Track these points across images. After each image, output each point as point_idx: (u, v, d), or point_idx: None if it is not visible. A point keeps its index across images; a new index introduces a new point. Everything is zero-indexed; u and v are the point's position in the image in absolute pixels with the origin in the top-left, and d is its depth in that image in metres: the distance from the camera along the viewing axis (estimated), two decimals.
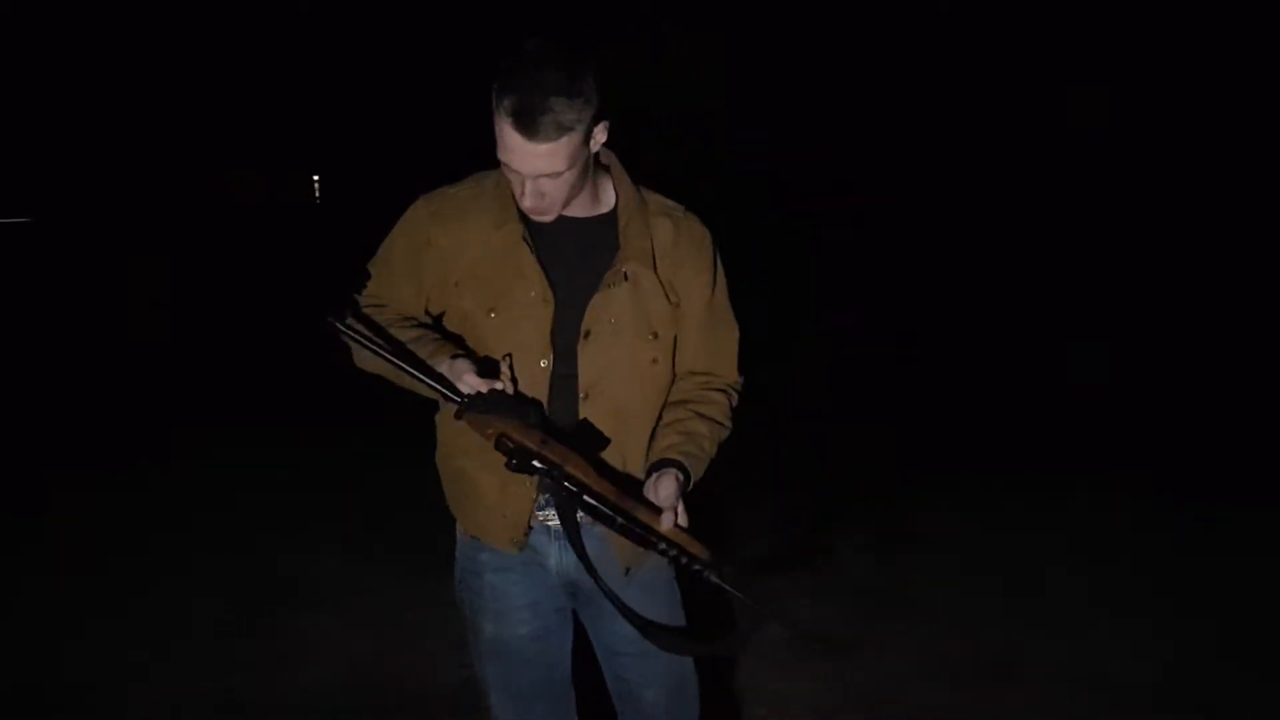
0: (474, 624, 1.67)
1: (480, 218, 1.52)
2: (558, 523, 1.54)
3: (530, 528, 1.57)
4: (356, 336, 1.39)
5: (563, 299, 1.51)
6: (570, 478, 1.35)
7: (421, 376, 1.38)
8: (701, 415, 1.59)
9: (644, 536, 1.37)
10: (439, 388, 1.37)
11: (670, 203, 1.62)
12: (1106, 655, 3.00)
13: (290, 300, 4.39)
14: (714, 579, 1.38)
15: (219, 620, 3.23)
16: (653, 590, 1.65)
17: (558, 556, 1.60)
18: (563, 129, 1.35)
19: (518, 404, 1.39)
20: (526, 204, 1.44)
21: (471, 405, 1.35)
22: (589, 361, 1.51)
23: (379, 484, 4.40)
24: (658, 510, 1.39)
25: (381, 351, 1.38)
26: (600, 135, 1.46)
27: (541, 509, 1.57)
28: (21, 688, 2.84)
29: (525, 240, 1.49)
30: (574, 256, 1.53)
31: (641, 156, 1.72)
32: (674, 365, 1.61)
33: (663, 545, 1.37)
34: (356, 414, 4.81)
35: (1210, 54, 10.99)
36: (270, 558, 3.71)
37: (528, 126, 1.33)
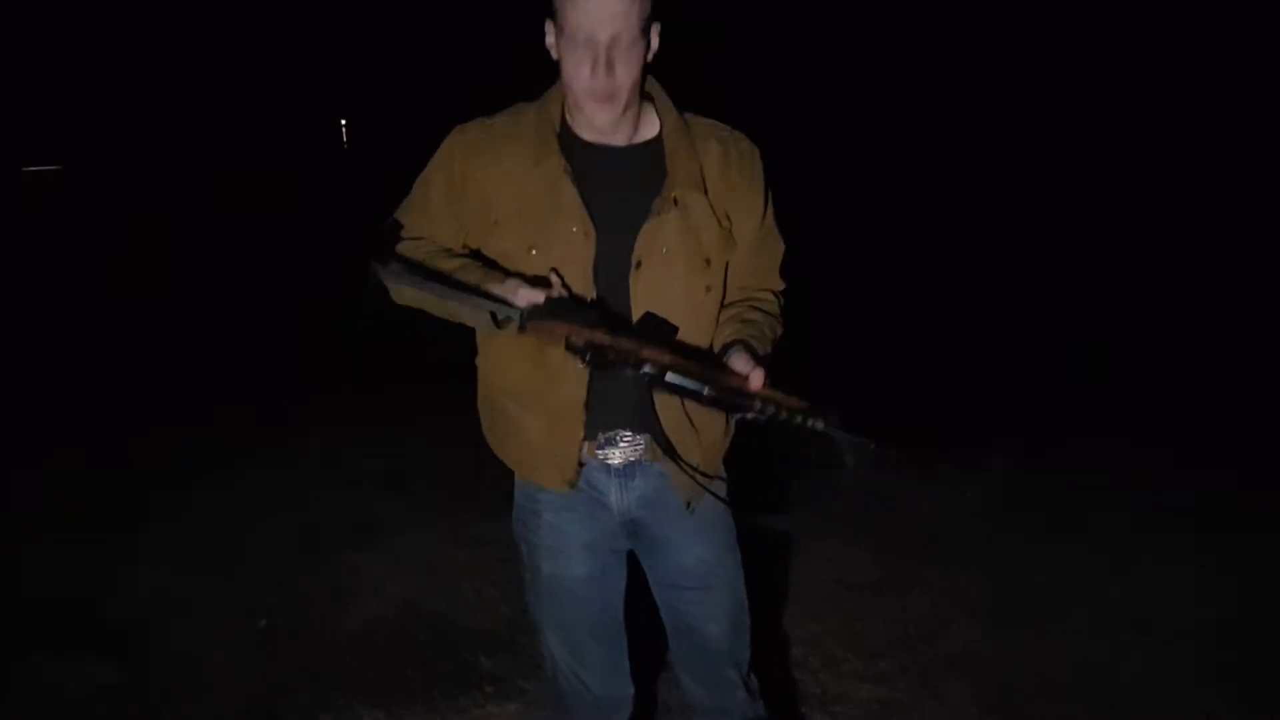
0: (530, 562, 1.67)
1: (519, 153, 1.48)
2: (618, 460, 1.55)
3: (582, 464, 1.56)
4: (404, 272, 1.38)
5: (608, 232, 1.47)
6: (648, 361, 1.32)
7: (475, 298, 1.36)
8: (756, 308, 1.58)
9: (737, 401, 1.35)
10: (494, 304, 1.36)
11: (717, 124, 1.58)
12: (1153, 597, 2.94)
13: (328, 247, 4.36)
14: (819, 427, 1.34)
15: (265, 558, 3.28)
16: (712, 526, 1.65)
17: (618, 494, 1.59)
18: None
19: (578, 306, 1.39)
20: (598, 84, 1.38)
21: (533, 314, 1.34)
22: (642, 292, 1.48)
23: (421, 426, 4.40)
24: (743, 375, 1.36)
25: (430, 282, 1.37)
26: (655, 39, 1.43)
27: (601, 448, 1.56)
28: (73, 618, 2.90)
29: (567, 174, 1.46)
30: (620, 186, 1.49)
31: None
32: (725, 289, 1.58)
33: (758, 404, 1.34)
34: (394, 359, 4.84)
35: (1210, 54, 10.75)
36: (316, 498, 3.76)
37: None
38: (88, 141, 17.88)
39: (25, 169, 17.51)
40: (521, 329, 1.35)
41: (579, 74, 1.39)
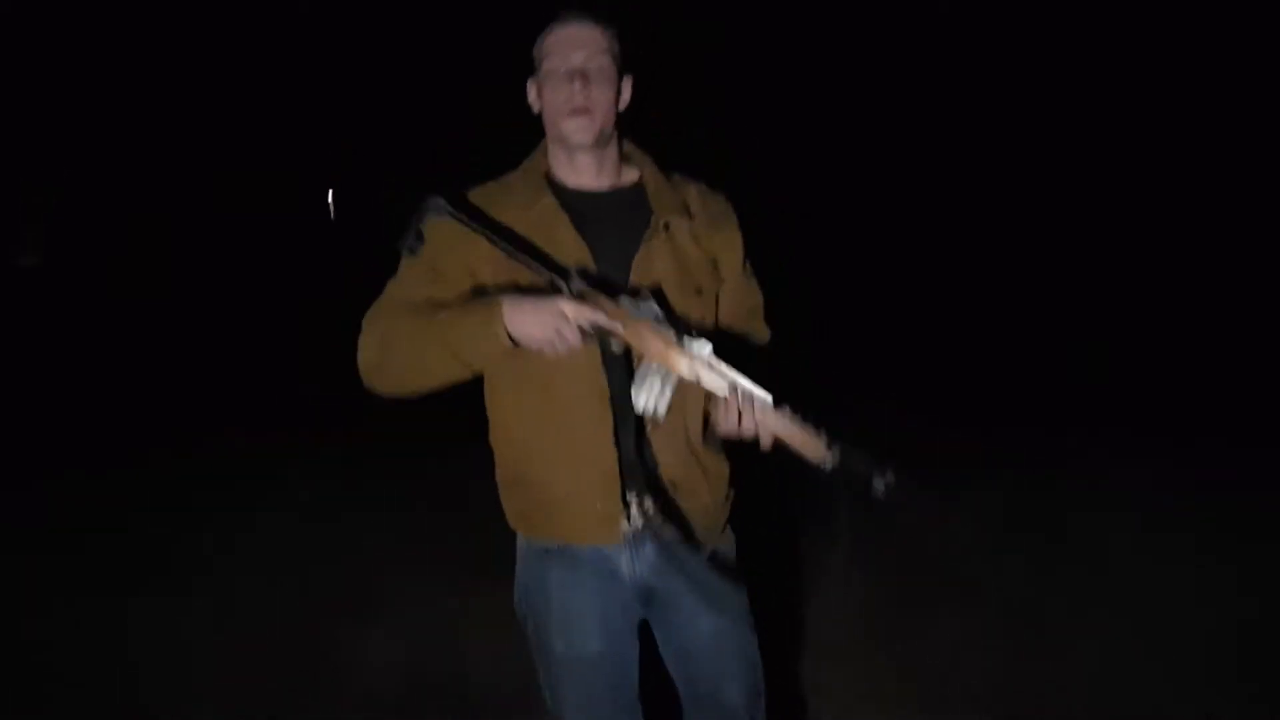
0: (541, 643, 1.63)
1: (512, 202, 1.54)
2: (629, 526, 1.55)
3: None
4: (447, 209, 1.43)
5: (603, 266, 1.52)
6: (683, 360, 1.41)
7: (530, 260, 1.42)
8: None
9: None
10: (548, 271, 1.42)
11: (691, 179, 1.67)
12: (1163, 615, 2.90)
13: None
14: (836, 460, 1.39)
15: (265, 635, 3.18)
16: (726, 590, 1.65)
17: (630, 562, 1.58)
18: (608, 25, 1.51)
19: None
20: (575, 99, 1.49)
21: (582, 278, 1.41)
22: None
23: (423, 489, 4.36)
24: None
25: (481, 227, 1.42)
26: (627, 89, 1.56)
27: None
28: (82, 706, 2.79)
29: (561, 211, 1.52)
30: (609, 224, 1.55)
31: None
32: (717, 321, 1.63)
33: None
34: (402, 425, 4.69)
35: (1210, 54, 10.71)
36: (316, 566, 3.67)
37: (580, 13, 1.50)
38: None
39: None
40: (577, 296, 1.39)
41: (556, 96, 1.50)
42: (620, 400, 1.49)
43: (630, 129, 1.61)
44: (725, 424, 1.42)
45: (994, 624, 2.95)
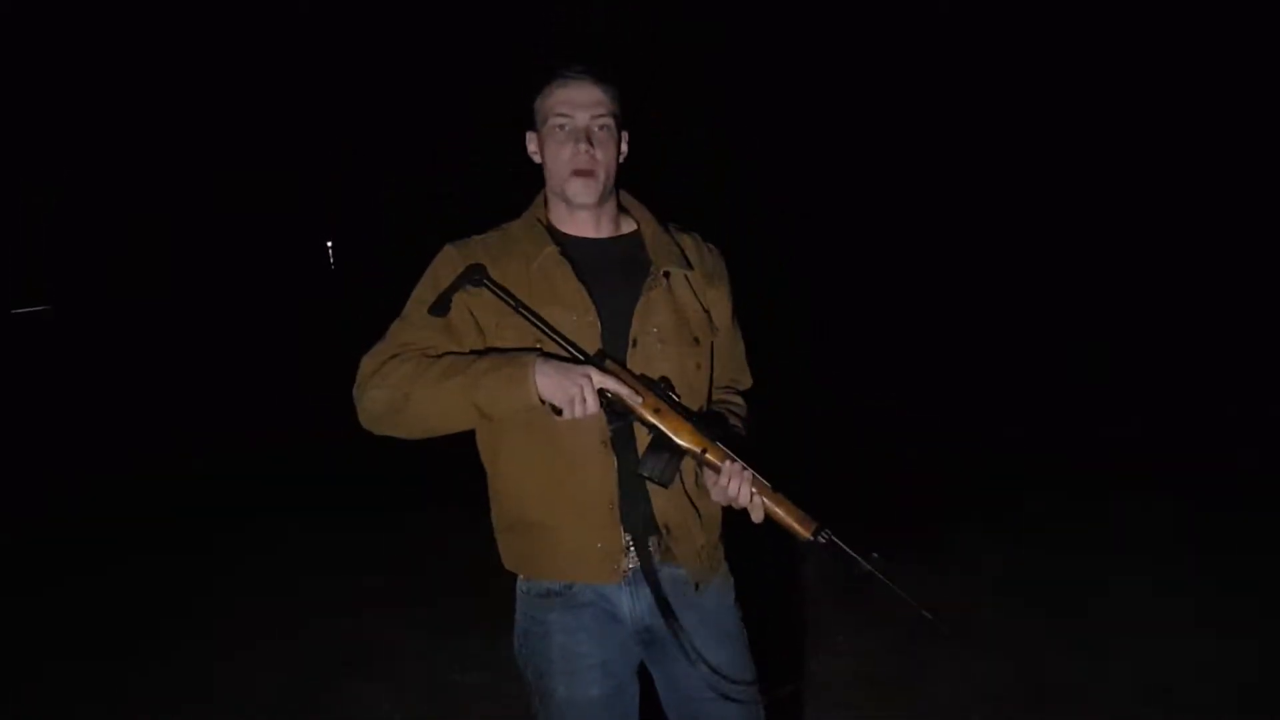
0: (542, 688, 1.62)
1: (514, 254, 1.57)
2: (629, 564, 1.58)
3: (628, 550, 1.58)
4: (494, 287, 1.48)
5: (605, 315, 1.55)
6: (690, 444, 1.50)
7: (561, 340, 1.47)
8: (733, 414, 1.68)
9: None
10: (578, 351, 1.49)
11: (685, 229, 1.73)
12: (1168, 666, 2.86)
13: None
14: (822, 540, 1.48)
15: (263, 695, 3.14)
16: (726, 631, 1.67)
17: (630, 603, 1.59)
18: (612, 83, 1.55)
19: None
20: (580, 160, 1.53)
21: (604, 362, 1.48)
22: (638, 370, 1.53)
23: (420, 543, 4.34)
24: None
25: (521, 309, 1.47)
26: (624, 145, 1.61)
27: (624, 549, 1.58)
28: None
29: (564, 261, 1.55)
30: (609, 273, 1.59)
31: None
32: (712, 369, 1.67)
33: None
34: (388, 477, 4.79)
35: (1210, 54, 10.62)
36: (314, 622, 3.65)
37: (584, 71, 1.54)
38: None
39: None
40: (603, 368, 1.46)
41: (561, 154, 1.54)
42: (620, 446, 1.53)
43: (630, 129, 1.63)
44: (720, 495, 1.49)
45: (994, 672, 2.92)
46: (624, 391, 1.44)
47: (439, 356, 1.50)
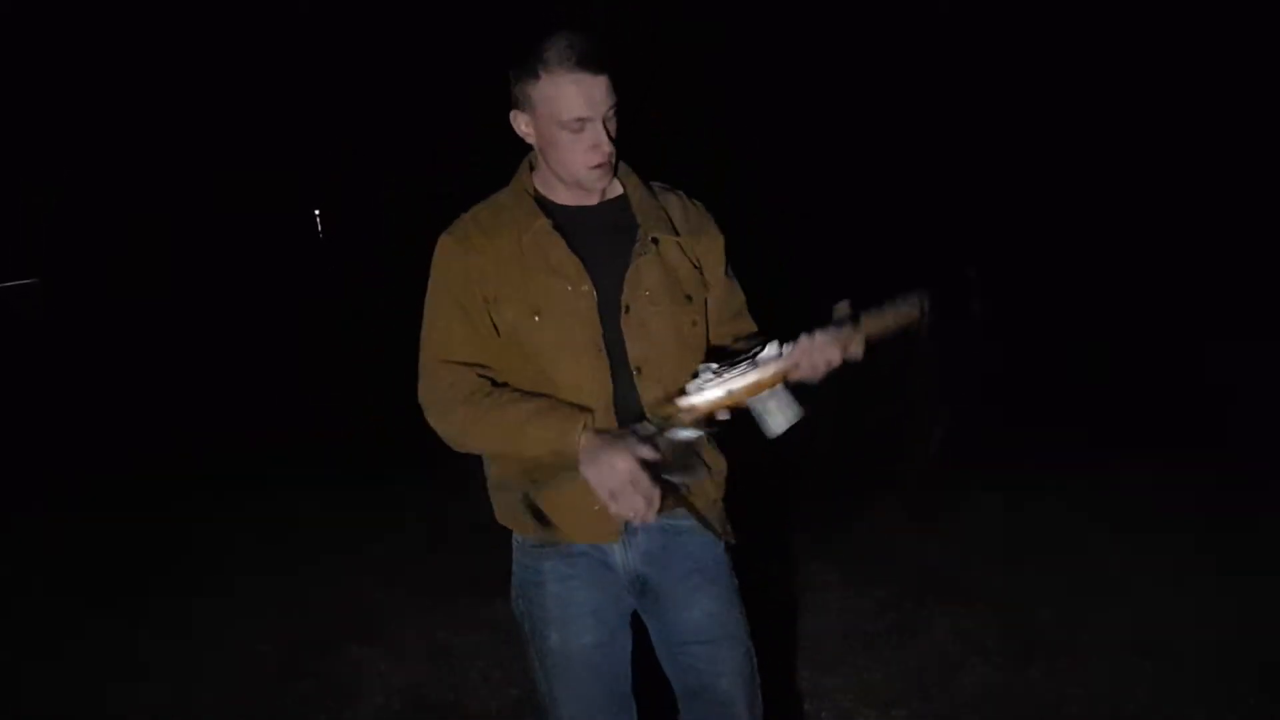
0: (537, 635, 1.66)
1: (508, 227, 1.59)
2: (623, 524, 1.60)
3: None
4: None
5: (597, 281, 1.57)
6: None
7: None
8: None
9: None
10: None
11: (669, 187, 1.73)
12: (1158, 619, 2.89)
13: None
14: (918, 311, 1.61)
15: (266, 662, 3.18)
16: (716, 578, 1.69)
17: (623, 552, 1.63)
18: (612, 62, 1.52)
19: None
20: (599, 157, 1.54)
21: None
22: (634, 336, 1.57)
23: (417, 511, 4.37)
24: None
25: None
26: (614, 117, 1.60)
27: None
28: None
29: (555, 232, 1.57)
30: (600, 239, 1.60)
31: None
32: (708, 325, 1.68)
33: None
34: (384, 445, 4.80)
35: (1210, 54, 10.66)
36: (315, 592, 3.68)
37: (592, 59, 1.49)
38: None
39: None
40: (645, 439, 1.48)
41: (577, 151, 1.53)
42: (622, 403, 1.55)
43: (630, 129, 1.63)
44: (825, 367, 1.56)
45: (989, 631, 2.94)
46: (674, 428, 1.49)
47: (486, 395, 1.55)
